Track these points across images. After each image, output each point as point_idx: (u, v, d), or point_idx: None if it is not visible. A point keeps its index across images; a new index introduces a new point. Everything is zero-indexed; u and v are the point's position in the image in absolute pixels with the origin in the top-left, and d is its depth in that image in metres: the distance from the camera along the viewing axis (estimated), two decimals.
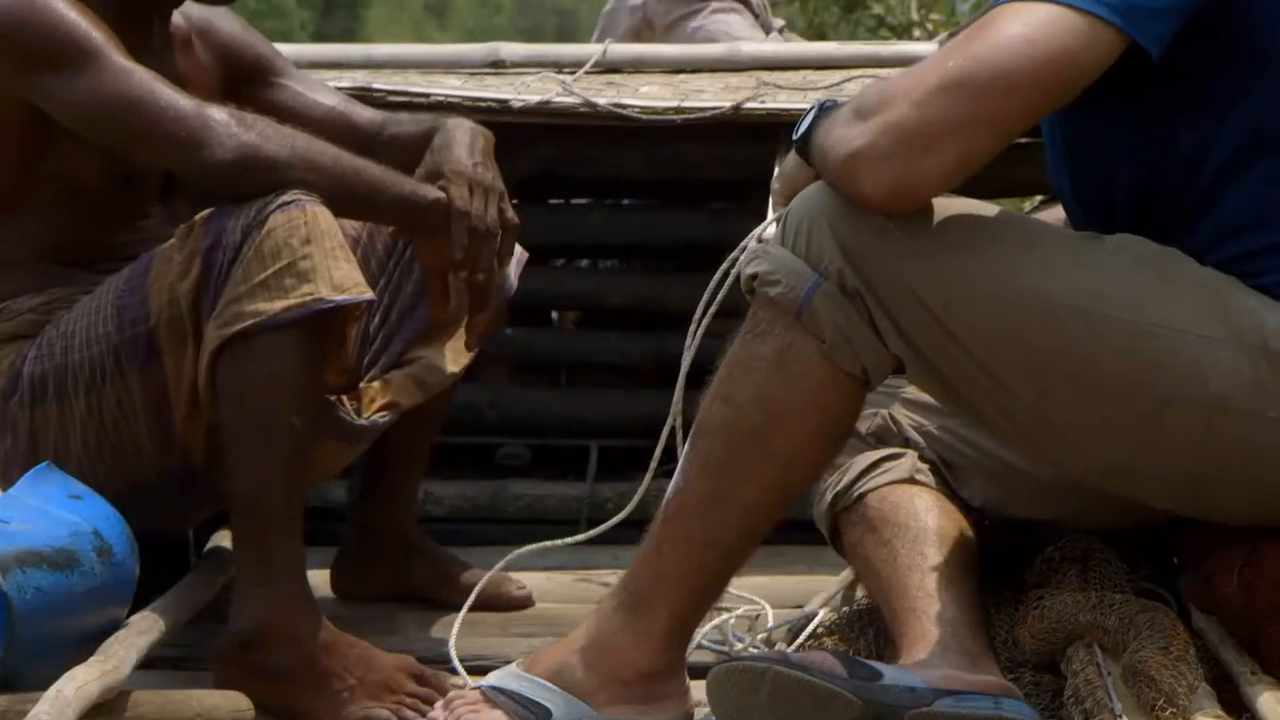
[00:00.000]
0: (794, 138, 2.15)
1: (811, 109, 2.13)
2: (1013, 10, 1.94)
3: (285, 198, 2.30)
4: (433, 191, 2.47)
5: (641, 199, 4.02)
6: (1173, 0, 1.95)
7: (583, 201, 4.07)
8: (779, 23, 4.41)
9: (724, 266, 2.15)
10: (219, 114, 2.34)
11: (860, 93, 2.04)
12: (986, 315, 2.01)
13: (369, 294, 2.34)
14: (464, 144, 2.55)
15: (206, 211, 2.35)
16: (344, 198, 2.37)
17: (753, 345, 2.07)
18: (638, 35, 4.04)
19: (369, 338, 2.69)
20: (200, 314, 2.31)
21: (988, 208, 2.09)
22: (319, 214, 2.30)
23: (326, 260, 2.28)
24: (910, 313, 2.02)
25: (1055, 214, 2.39)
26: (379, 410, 2.57)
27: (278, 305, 2.26)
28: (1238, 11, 1.99)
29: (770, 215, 2.31)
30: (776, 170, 2.32)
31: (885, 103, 1.94)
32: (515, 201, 3.57)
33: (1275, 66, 2.01)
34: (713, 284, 2.17)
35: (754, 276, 2.07)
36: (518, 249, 2.75)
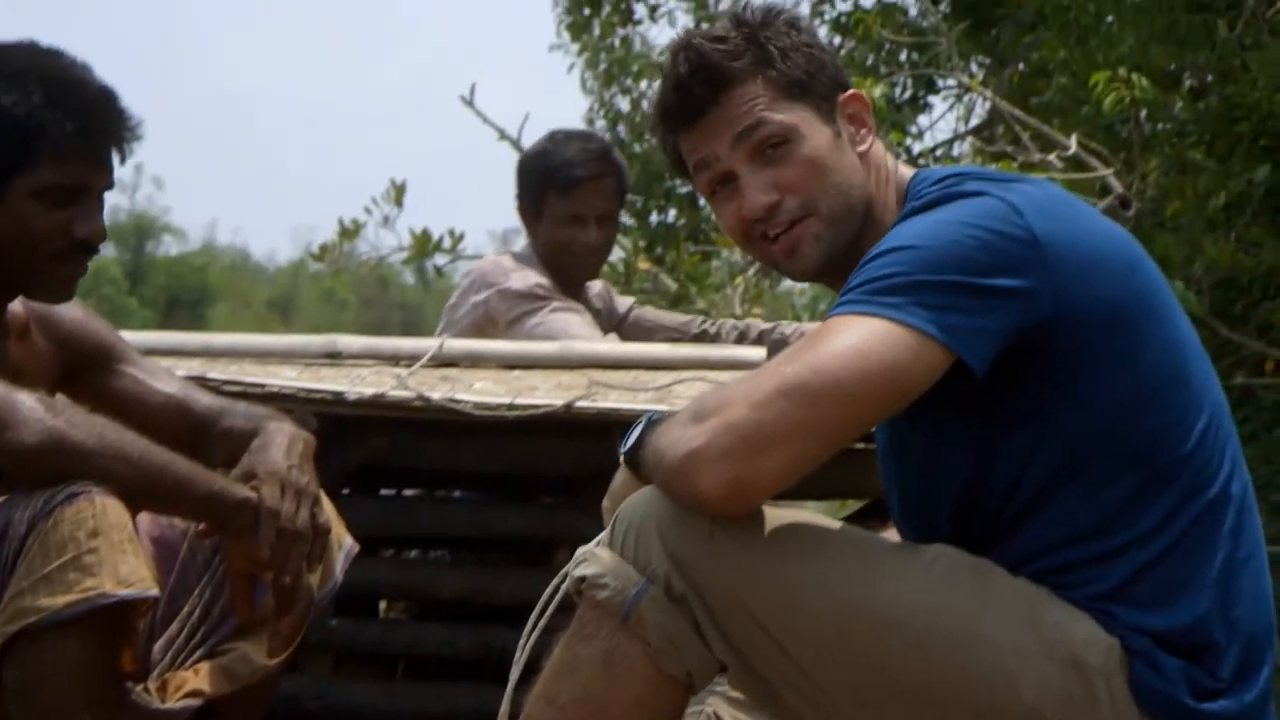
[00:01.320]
0: (622, 450, 2.19)
1: (639, 422, 2.18)
2: (847, 323, 2.02)
3: (74, 488, 2.30)
4: (242, 491, 2.48)
5: (474, 492, 4.03)
6: (996, 322, 2.03)
7: (414, 493, 4.07)
8: (627, 301, 4.50)
9: (555, 581, 2.16)
10: (27, 399, 2.35)
11: (698, 397, 2.09)
12: (809, 623, 2.04)
13: (154, 589, 2.33)
14: (281, 446, 2.57)
15: None
16: (150, 490, 2.38)
17: (578, 647, 2.07)
18: (480, 330, 4.09)
19: (190, 632, 2.66)
20: None
21: (813, 517, 2.13)
22: (109, 506, 2.30)
23: (113, 554, 2.28)
24: (736, 619, 2.05)
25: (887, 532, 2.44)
26: (183, 697, 2.53)
27: (60, 601, 2.25)
28: (1053, 339, 2.08)
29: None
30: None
31: (723, 405, 1.99)
32: (346, 491, 3.60)
33: (1087, 391, 2.10)
34: (544, 599, 2.17)
35: (582, 579, 2.08)
36: (348, 541, 2.76)
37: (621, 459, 2.22)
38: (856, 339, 1.99)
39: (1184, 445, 2.11)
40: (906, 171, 2.30)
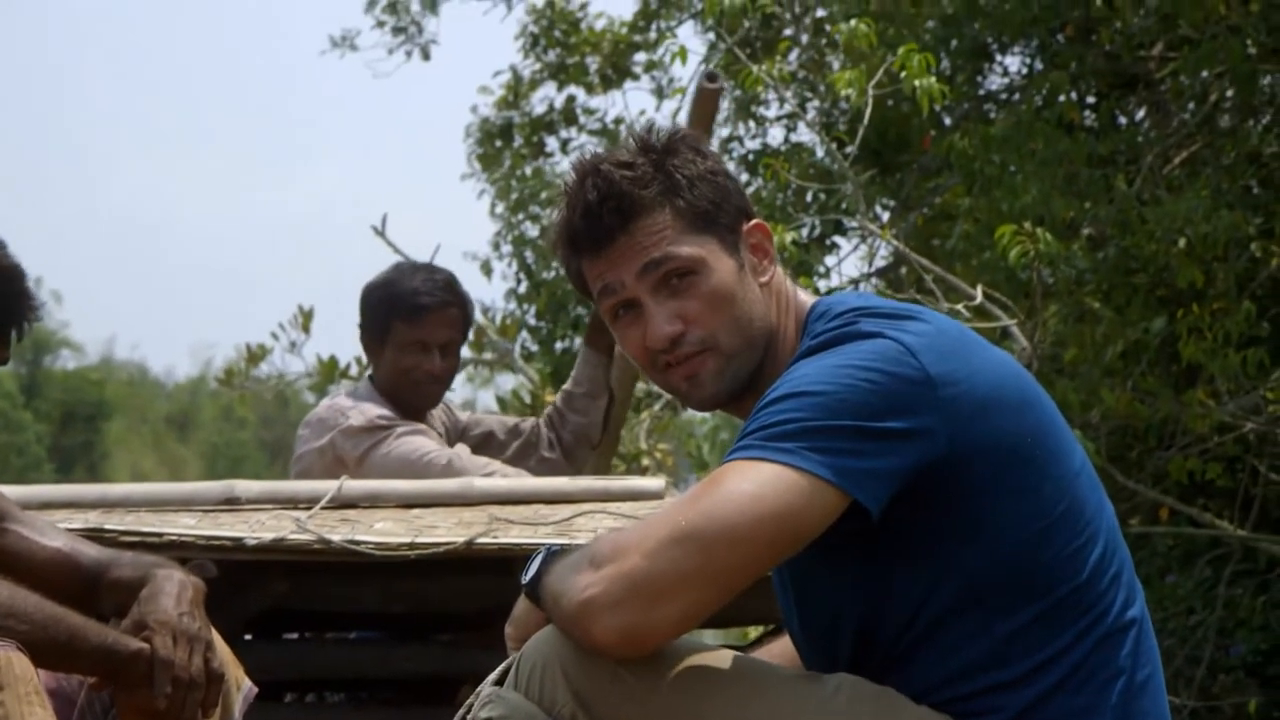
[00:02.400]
0: (523, 582, 2.19)
1: (539, 553, 2.18)
2: (741, 468, 2.03)
3: None
4: (134, 643, 2.47)
5: (377, 632, 4.00)
6: (891, 464, 2.06)
7: (313, 636, 4.03)
8: (464, 416, 4.51)
9: (460, 713, 2.15)
10: None
11: (593, 541, 2.10)
12: None
13: None
14: (171, 594, 2.56)
15: None
16: (42, 646, 2.37)
17: None
18: (331, 474, 4.00)
19: None
20: None
21: (716, 651, 2.14)
22: (13, 660, 2.28)
23: (20, 706, 2.26)
24: None
25: (784, 644, 2.45)
26: None
27: None
28: (951, 479, 2.10)
29: (507, 660, 2.34)
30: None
31: (618, 553, 2.00)
32: (249, 637, 3.56)
33: (983, 526, 2.12)
34: None
35: None
36: (246, 684, 2.74)
37: (522, 590, 2.21)
38: (750, 484, 2.01)
39: (1079, 575, 2.14)
40: (806, 299, 2.33)
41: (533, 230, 10.77)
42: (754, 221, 2.32)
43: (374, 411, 4.12)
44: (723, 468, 2.06)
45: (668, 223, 2.24)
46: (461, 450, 4.10)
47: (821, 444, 2.03)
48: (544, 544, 2.21)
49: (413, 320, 4.14)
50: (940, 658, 2.13)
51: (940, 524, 2.12)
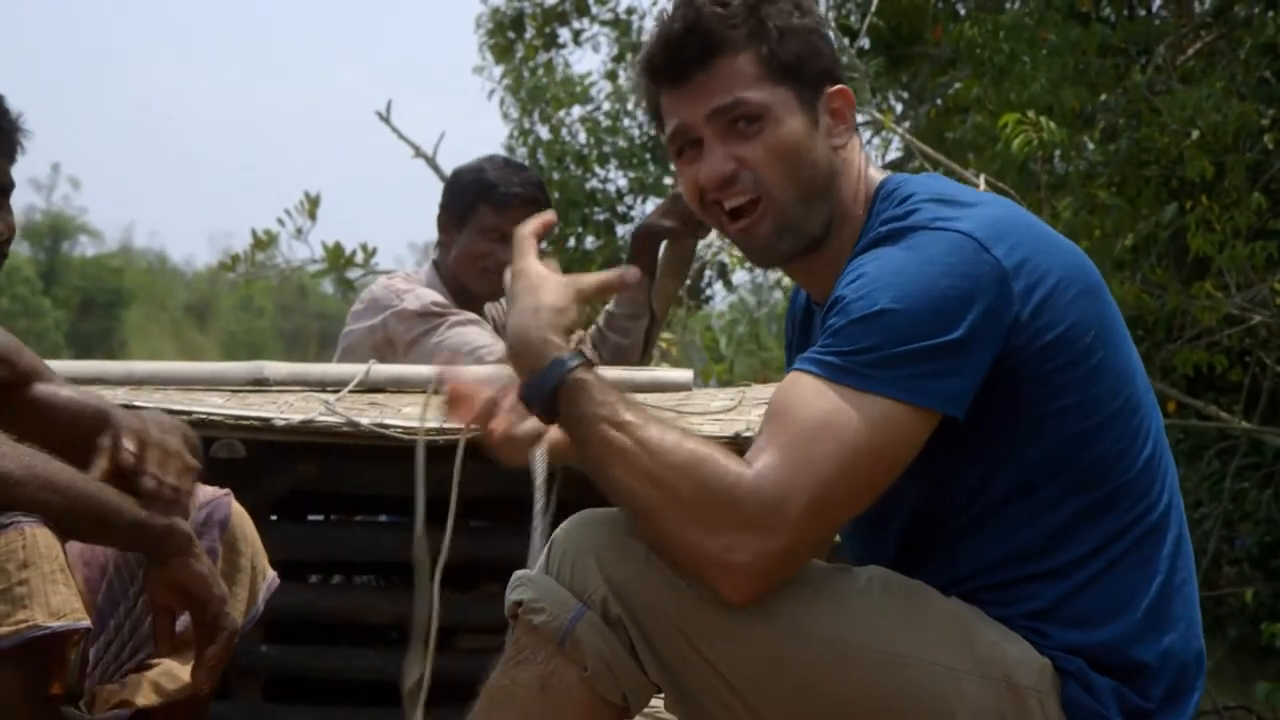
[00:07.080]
0: (533, 398, 2.17)
1: (550, 366, 2.14)
2: (850, 413, 2.04)
3: (2, 519, 2.30)
4: (164, 519, 2.46)
5: (402, 516, 4.06)
6: (975, 368, 2.09)
7: (339, 518, 4.08)
8: None
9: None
10: None
11: (705, 461, 2.05)
12: (743, 646, 2.08)
13: (85, 621, 2.33)
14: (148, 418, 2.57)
15: None
16: (78, 520, 2.39)
17: (514, 672, 2.12)
18: (380, 354, 4.05)
19: (119, 646, 2.68)
20: None
21: None
22: (38, 535, 2.31)
23: (44, 585, 2.28)
24: (671, 642, 2.09)
25: None
26: (112, 708, 2.55)
27: None
28: (1019, 368, 2.12)
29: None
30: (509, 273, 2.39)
31: (765, 519, 2.00)
32: (275, 517, 3.62)
33: (1043, 416, 2.15)
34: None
35: (518, 603, 2.13)
36: (270, 573, 2.78)
37: (528, 405, 2.20)
38: (867, 433, 2.03)
39: (1130, 471, 2.17)
40: (876, 175, 2.31)
41: (544, 131, 10.77)
42: (838, 86, 2.28)
43: (429, 296, 4.11)
44: (832, 405, 2.04)
45: (747, 67, 2.23)
46: None
47: (920, 369, 2.05)
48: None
49: (500, 207, 4.13)
50: (983, 546, 2.16)
51: (1003, 413, 2.13)
